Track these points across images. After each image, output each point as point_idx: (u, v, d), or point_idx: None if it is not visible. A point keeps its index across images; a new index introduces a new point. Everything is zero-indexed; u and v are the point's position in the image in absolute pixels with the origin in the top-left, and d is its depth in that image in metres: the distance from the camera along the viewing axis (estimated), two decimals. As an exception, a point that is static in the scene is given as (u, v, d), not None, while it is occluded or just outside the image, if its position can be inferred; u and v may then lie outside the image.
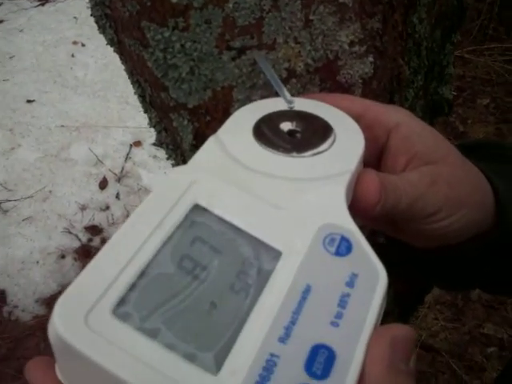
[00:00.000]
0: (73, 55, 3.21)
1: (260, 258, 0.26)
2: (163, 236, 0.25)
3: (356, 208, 0.31)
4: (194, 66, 0.39)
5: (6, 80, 2.97)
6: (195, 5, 0.36)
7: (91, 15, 0.42)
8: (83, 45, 3.28)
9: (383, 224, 0.39)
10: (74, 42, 3.30)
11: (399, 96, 0.51)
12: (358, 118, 0.36)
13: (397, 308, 0.60)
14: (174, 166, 0.51)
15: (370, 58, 0.44)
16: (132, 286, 0.23)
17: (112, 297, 0.23)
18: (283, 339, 0.23)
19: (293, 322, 0.23)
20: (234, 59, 0.39)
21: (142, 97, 0.46)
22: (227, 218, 0.27)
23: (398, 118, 0.37)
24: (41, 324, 1.90)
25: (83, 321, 0.22)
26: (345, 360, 0.22)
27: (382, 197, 0.32)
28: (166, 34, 0.37)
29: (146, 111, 0.48)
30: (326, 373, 0.22)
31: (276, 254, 0.26)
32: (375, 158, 0.38)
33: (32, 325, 1.91)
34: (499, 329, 1.83)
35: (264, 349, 0.22)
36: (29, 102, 2.82)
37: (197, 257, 0.25)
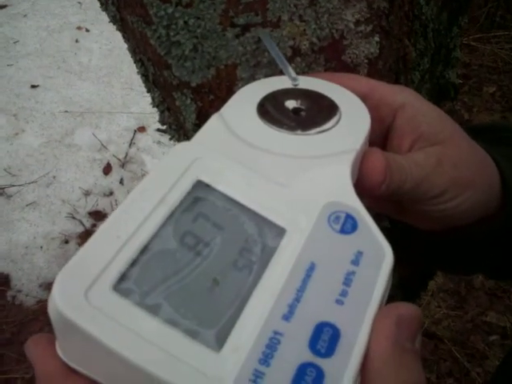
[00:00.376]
0: (77, 40, 3.20)
1: (264, 235, 0.26)
2: (165, 212, 0.25)
3: (361, 187, 0.31)
4: (198, 43, 0.38)
5: (10, 65, 2.96)
6: (199, -20, 0.35)
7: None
8: (87, 30, 3.27)
9: (388, 206, 0.39)
10: (79, 28, 3.29)
11: (405, 78, 0.51)
12: (363, 98, 0.36)
13: (400, 292, 0.60)
14: (176, 146, 0.50)
15: (376, 38, 0.44)
16: (133, 262, 0.23)
17: (113, 272, 0.22)
18: (287, 317, 0.22)
19: (297, 300, 0.23)
20: (237, 36, 0.38)
21: (145, 76, 0.45)
22: (230, 194, 0.27)
23: (403, 98, 0.37)
24: (44, 308, 1.90)
25: (83, 296, 0.21)
26: (349, 338, 0.22)
27: (388, 176, 0.32)
28: (169, 11, 0.36)
29: (148, 91, 0.47)
30: (330, 351, 0.22)
31: (280, 232, 0.26)
32: (381, 138, 0.38)
33: (36, 309, 1.92)
34: (502, 317, 1.84)
35: (267, 326, 0.22)
36: (33, 87, 2.82)
37: (199, 233, 0.25)
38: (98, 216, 2.25)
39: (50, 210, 2.22)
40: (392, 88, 0.38)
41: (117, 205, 2.29)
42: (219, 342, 0.21)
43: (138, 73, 0.47)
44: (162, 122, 0.49)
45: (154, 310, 0.22)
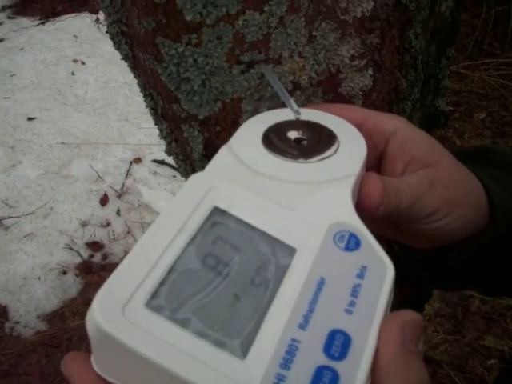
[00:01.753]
0: (73, 73, 3.24)
1: (276, 254, 0.28)
2: (187, 236, 0.28)
3: (360, 209, 0.33)
4: (206, 79, 0.41)
5: (7, 98, 3.00)
6: (208, 22, 0.38)
7: (107, 32, 0.44)
8: (83, 63, 3.31)
9: (384, 227, 0.42)
10: (74, 60, 3.33)
11: (397, 107, 0.54)
12: (358, 127, 0.39)
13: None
14: (182, 175, 0.53)
15: (370, 71, 0.47)
16: (162, 281, 0.26)
17: (145, 291, 0.25)
18: (303, 326, 0.25)
19: (310, 311, 0.26)
20: (243, 73, 0.41)
21: (154, 109, 0.48)
22: (245, 218, 0.29)
23: (395, 126, 0.39)
24: (42, 340, 1.91)
25: (121, 313, 0.24)
26: (359, 343, 0.25)
27: (385, 198, 0.34)
28: (180, 50, 0.39)
29: (156, 123, 0.50)
30: (343, 355, 0.24)
31: (291, 251, 0.28)
32: (375, 163, 0.40)
33: (34, 341, 1.91)
34: (499, 341, 1.84)
35: (286, 335, 0.25)
36: (30, 119, 2.85)
37: (219, 254, 0.28)
38: (96, 247, 2.25)
39: (48, 241, 2.23)
40: (384, 116, 0.41)
41: (114, 235, 2.30)
42: (244, 350, 0.24)
43: (147, 106, 0.50)
44: (168, 152, 0.52)
45: (184, 323, 0.24)
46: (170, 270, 0.26)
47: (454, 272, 0.46)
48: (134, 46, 0.43)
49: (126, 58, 0.45)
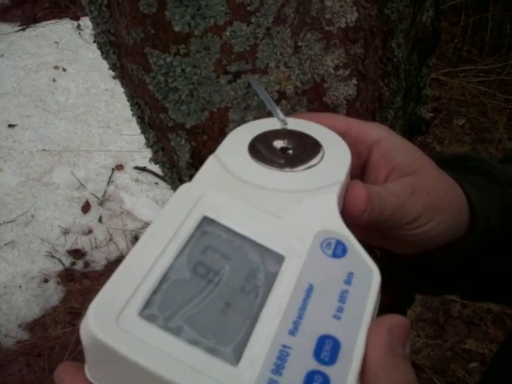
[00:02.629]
0: (54, 80, 3.22)
1: (265, 262, 0.29)
2: (178, 246, 0.28)
3: (345, 216, 0.34)
4: (194, 88, 0.41)
5: (-13, 105, 2.97)
6: (196, 33, 0.39)
7: (94, 41, 0.45)
8: (64, 69, 3.30)
9: (368, 233, 0.42)
10: (55, 67, 3.32)
11: (380, 116, 0.55)
12: (342, 135, 0.40)
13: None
14: (168, 183, 0.53)
15: (354, 81, 0.48)
16: (155, 291, 0.26)
17: (138, 300, 0.25)
18: (293, 332, 0.26)
19: (300, 317, 0.26)
20: (230, 82, 0.42)
21: (141, 118, 0.48)
22: (234, 227, 0.30)
23: (378, 134, 0.40)
24: (24, 349, 1.89)
25: (115, 322, 0.24)
26: (348, 347, 0.25)
27: (369, 206, 0.35)
28: (168, 60, 0.40)
29: (143, 132, 0.50)
30: (333, 359, 0.25)
31: (279, 258, 0.29)
32: (359, 171, 0.41)
33: (15, 350, 1.89)
34: (480, 344, 1.86)
35: (276, 341, 0.25)
36: (10, 126, 2.83)
37: (209, 263, 0.28)
38: (78, 254, 2.24)
39: (29, 249, 2.21)
40: (367, 125, 0.41)
41: (96, 243, 2.29)
42: (236, 356, 0.24)
43: (133, 115, 0.50)
44: (155, 160, 0.52)
45: (176, 332, 0.25)
46: (162, 280, 0.27)
47: (436, 277, 0.47)
48: (122, 56, 0.43)
49: (113, 67, 0.45)
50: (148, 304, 0.25)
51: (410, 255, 0.44)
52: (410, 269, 0.47)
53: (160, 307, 0.26)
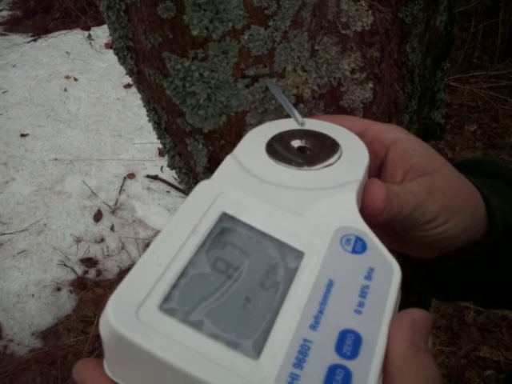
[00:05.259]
0: (65, 89, 3.24)
1: (285, 258, 0.29)
2: (198, 241, 0.28)
3: (364, 215, 0.34)
4: (211, 93, 0.42)
5: (0, 115, 3.00)
6: (214, 37, 0.39)
7: (111, 47, 0.45)
8: (75, 79, 3.32)
9: (385, 235, 0.42)
10: (67, 77, 3.34)
11: (396, 120, 0.55)
12: (359, 136, 0.40)
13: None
14: (185, 188, 0.53)
15: (370, 85, 0.48)
16: (174, 285, 0.26)
17: (158, 294, 0.25)
18: (314, 326, 0.25)
19: (321, 312, 0.26)
20: (247, 86, 0.42)
21: (158, 123, 0.49)
22: (253, 223, 0.30)
23: (395, 135, 0.40)
24: (37, 357, 1.89)
25: (134, 315, 0.24)
26: (370, 342, 0.25)
27: (388, 204, 0.35)
28: (186, 64, 0.40)
29: (159, 137, 0.51)
30: (354, 354, 0.25)
31: (299, 254, 0.29)
32: (376, 171, 0.41)
33: (28, 359, 1.89)
34: (495, 351, 1.84)
35: (297, 335, 0.25)
36: (22, 136, 2.85)
37: (229, 259, 0.28)
38: (90, 263, 2.25)
39: (42, 258, 2.22)
40: (384, 126, 0.42)
41: (108, 251, 2.29)
42: (257, 350, 0.24)
43: (149, 121, 0.50)
44: (171, 166, 0.52)
45: (197, 325, 0.25)
46: (182, 274, 0.27)
47: (452, 281, 0.46)
48: (140, 61, 0.44)
49: (130, 72, 0.45)
50: (168, 298, 0.25)
51: (426, 258, 0.44)
52: (426, 272, 0.47)
53: (180, 301, 0.26)
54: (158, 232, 2.27)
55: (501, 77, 3.14)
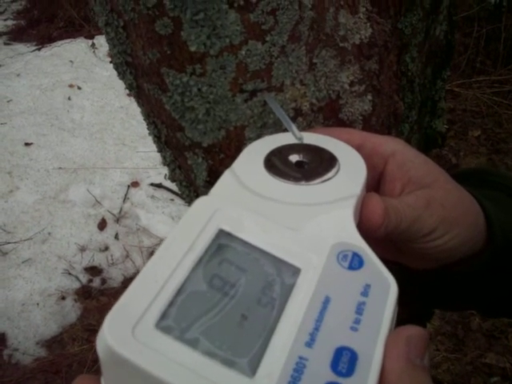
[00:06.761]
0: (69, 98, 3.26)
1: (281, 274, 0.29)
2: (194, 258, 0.28)
3: (362, 229, 0.34)
4: (210, 107, 0.42)
5: (4, 124, 3.01)
6: (211, 52, 0.39)
7: (111, 62, 0.45)
8: (79, 88, 3.34)
9: (384, 247, 0.42)
10: (71, 86, 3.36)
11: (396, 130, 0.55)
12: (357, 149, 0.40)
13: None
14: (186, 201, 0.53)
15: (369, 97, 0.48)
16: (171, 303, 0.26)
17: (154, 312, 0.25)
18: (309, 344, 0.25)
19: (316, 329, 0.26)
20: (246, 101, 0.42)
21: (158, 137, 0.49)
22: (249, 240, 0.30)
23: (393, 147, 0.40)
24: (42, 366, 1.89)
25: (131, 334, 0.24)
26: (366, 359, 0.25)
27: (386, 218, 0.35)
28: (185, 79, 0.40)
29: (160, 150, 0.51)
30: (350, 371, 0.24)
31: (296, 271, 0.29)
32: (374, 184, 0.41)
33: (33, 368, 1.89)
34: (501, 358, 1.83)
35: (293, 353, 0.25)
36: (27, 144, 2.86)
37: (225, 276, 0.28)
38: (94, 271, 2.25)
39: (46, 267, 2.22)
40: (382, 138, 0.42)
41: (112, 260, 2.30)
42: (252, 368, 0.24)
43: (150, 134, 0.50)
44: (172, 179, 0.52)
45: (193, 343, 0.25)
46: (178, 292, 0.27)
47: (453, 292, 0.46)
48: (139, 76, 0.44)
49: (130, 87, 0.46)
50: (164, 316, 0.25)
51: (426, 270, 0.43)
52: (426, 284, 0.47)
53: (176, 319, 0.26)
54: (162, 240, 2.27)
55: (504, 82, 3.13)
